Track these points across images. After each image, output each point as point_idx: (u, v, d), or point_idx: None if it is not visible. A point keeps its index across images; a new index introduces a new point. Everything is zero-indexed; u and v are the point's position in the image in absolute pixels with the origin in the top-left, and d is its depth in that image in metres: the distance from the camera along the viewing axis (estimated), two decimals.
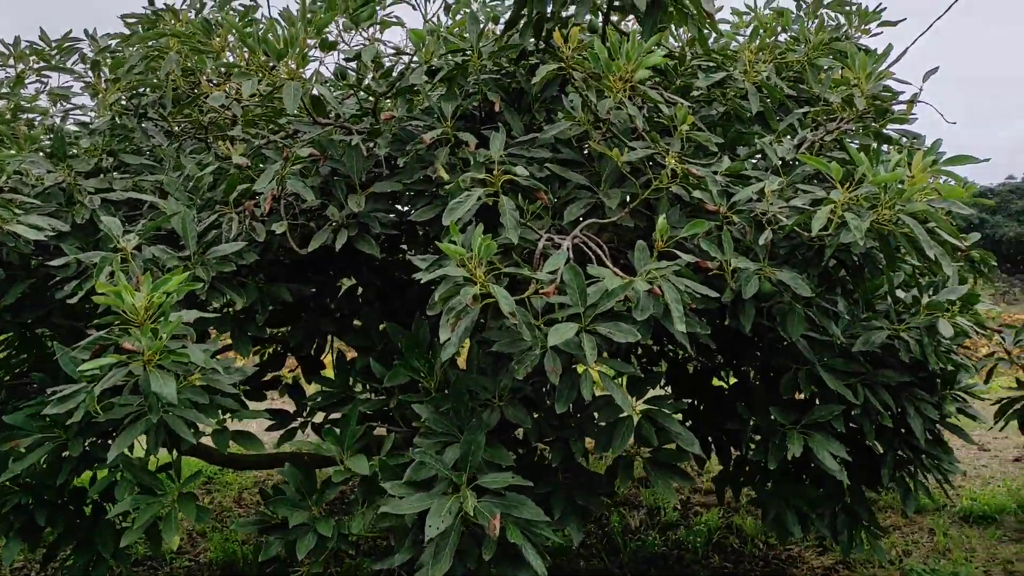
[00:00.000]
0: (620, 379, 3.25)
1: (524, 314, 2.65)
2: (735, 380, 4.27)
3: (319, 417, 4.05)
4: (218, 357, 3.01)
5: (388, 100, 3.90)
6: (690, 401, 4.21)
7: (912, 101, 3.48)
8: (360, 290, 4.05)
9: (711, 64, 3.92)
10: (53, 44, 4.75)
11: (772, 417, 3.48)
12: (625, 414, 2.90)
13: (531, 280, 2.77)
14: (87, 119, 4.73)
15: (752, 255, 3.09)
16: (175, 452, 3.31)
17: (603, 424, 3.00)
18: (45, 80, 4.82)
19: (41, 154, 3.93)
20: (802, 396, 3.61)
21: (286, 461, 3.43)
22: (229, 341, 3.74)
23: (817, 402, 3.58)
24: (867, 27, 4.22)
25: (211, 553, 5.24)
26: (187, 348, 2.73)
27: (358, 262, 3.96)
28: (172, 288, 2.68)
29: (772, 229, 2.98)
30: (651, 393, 3.31)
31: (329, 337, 4.19)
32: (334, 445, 3.18)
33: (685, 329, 2.67)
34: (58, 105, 4.65)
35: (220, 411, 3.01)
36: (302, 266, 3.88)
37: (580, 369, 2.82)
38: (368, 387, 3.56)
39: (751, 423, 3.61)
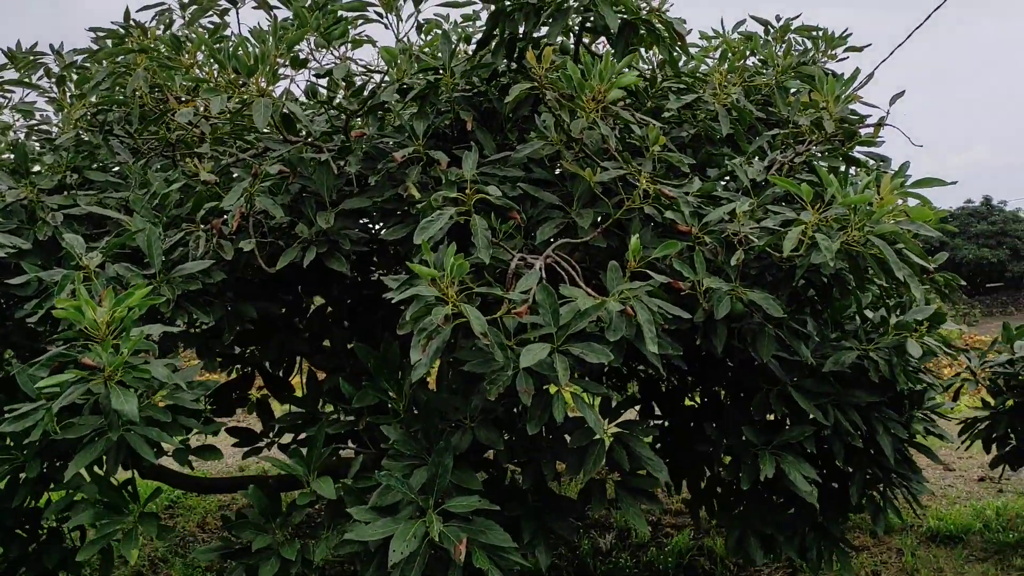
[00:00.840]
0: (592, 401, 3.24)
1: (496, 334, 2.62)
2: (705, 400, 4.27)
3: (287, 438, 3.98)
4: (180, 369, 2.94)
5: (359, 119, 3.87)
6: (661, 422, 4.20)
7: (879, 124, 3.53)
8: (330, 309, 4.00)
9: (682, 86, 3.95)
10: (19, 57, 4.66)
11: (744, 438, 3.48)
12: (597, 437, 2.88)
13: (503, 300, 2.75)
14: (52, 135, 4.66)
15: (724, 275, 3.10)
16: (134, 472, 3.23)
17: (575, 447, 2.97)
18: (8, 95, 4.73)
19: (3, 170, 3.85)
20: (773, 416, 3.62)
21: (251, 484, 3.36)
22: (196, 360, 3.67)
23: (788, 423, 3.59)
24: (834, 52, 4.28)
25: None
26: (149, 364, 2.66)
27: (328, 281, 3.91)
28: (135, 303, 2.62)
29: (744, 249, 2.99)
30: (622, 416, 3.29)
31: (299, 358, 4.13)
32: (300, 466, 3.12)
33: (657, 350, 2.66)
34: (19, 121, 4.56)
35: (184, 430, 2.93)
36: (272, 285, 3.83)
37: (552, 390, 2.80)
38: (337, 408, 3.50)
39: (723, 443, 3.61)
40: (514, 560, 2.77)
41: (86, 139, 4.24)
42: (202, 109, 3.73)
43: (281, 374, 4.08)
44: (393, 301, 2.73)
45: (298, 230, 3.37)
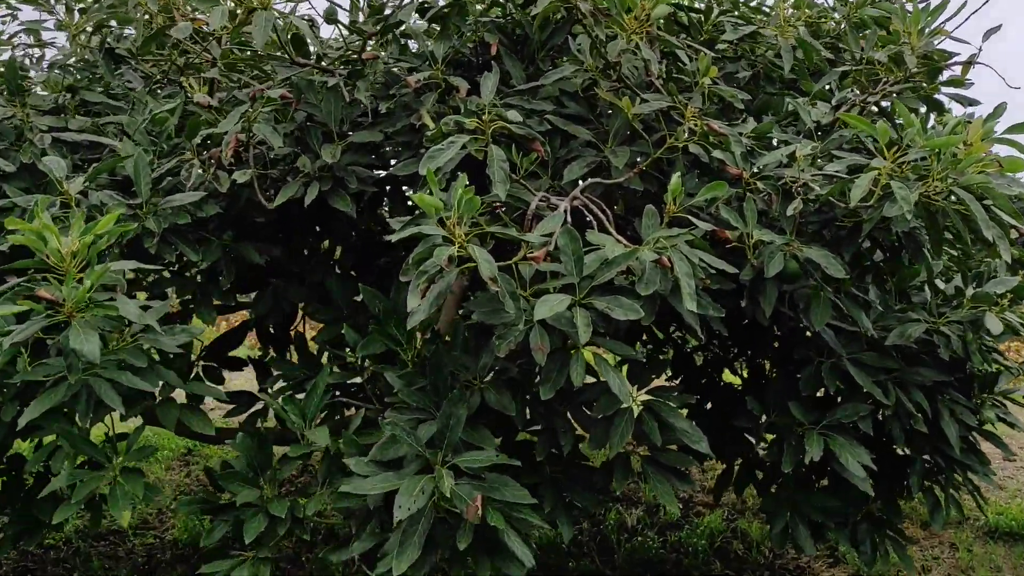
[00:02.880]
0: (620, 366, 2.87)
1: (509, 282, 2.26)
2: (747, 373, 3.88)
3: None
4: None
5: (377, 42, 3.50)
6: (696, 397, 3.82)
7: (969, 63, 3.05)
8: (338, 256, 3.66)
9: (739, 21, 3.50)
10: None
11: (790, 415, 3.08)
12: (624, 406, 2.51)
13: (520, 245, 2.39)
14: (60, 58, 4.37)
15: (777, 229, 2.69)
16: (113, 422, 2.97)
17: (599, 416, 2.61)
18: (15, 12, 4.44)
19: None
20: (822, 393, 3.22)
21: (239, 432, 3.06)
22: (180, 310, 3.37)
23: (840, 400, 3.18)
24: None
25: (175, 531, 4.90)
26: (116, 301, 2.35)
27: (335, 224, 3.57)
28: (102, 230, 2.31)
29: (802, 199, 2.57)
30: (654, 382, 2.92)
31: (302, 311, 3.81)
32: (296, 416, 2.81)
33: (696, 309, 2.27)
34: (20, 39, 4.26)
35: (159, 379, 2.64)
36: (275, 226, 3.50)
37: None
38: (338, 360, 3.18)
39: (765, 420, 3.22)
40: (534, 523, 2.43)
41: (90, 59, 3.94)
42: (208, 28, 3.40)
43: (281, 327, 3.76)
44: (392, 241, 2.38)
45: (300, 164, 3.03)
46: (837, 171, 2.55)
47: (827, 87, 3.14)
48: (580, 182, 2.77)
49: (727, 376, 4.13)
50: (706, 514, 5.34)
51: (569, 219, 2.54)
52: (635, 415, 2.63)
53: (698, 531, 4.98)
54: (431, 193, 2.27)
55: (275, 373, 3.51)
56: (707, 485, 5.81)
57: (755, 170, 2.71)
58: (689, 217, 2.45)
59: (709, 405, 3.85)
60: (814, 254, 2.56)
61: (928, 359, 3.19)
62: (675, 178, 2.39)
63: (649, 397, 2.79)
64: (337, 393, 3.24)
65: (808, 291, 2.85)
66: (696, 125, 2.68)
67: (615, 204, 3.01)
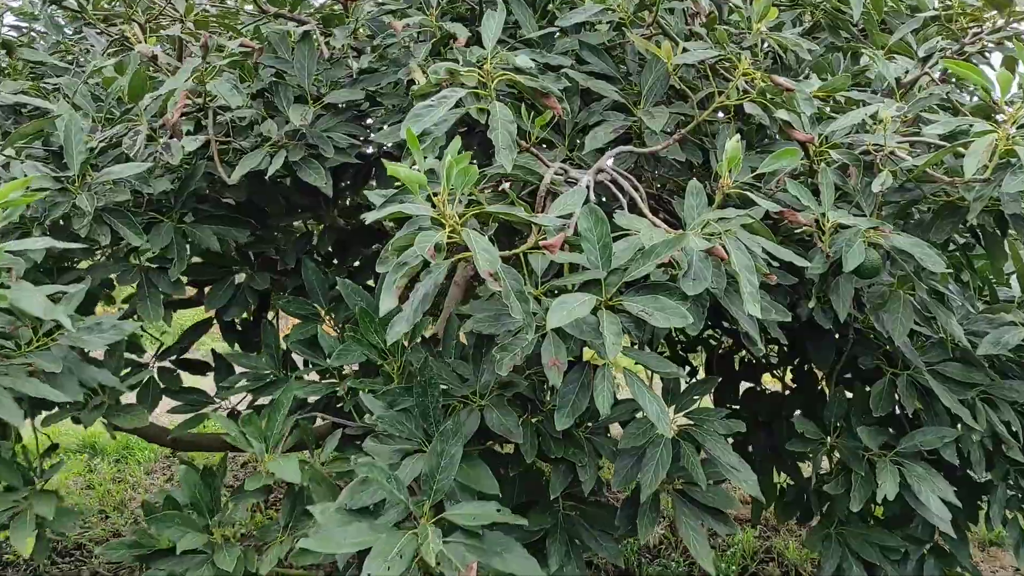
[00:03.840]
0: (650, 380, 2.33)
1: (515, 277, 1.72)
2: (795, 384, 3.33)
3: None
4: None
5: None
6: (735, 408, 3.29)
7: None
8: (315, 241, 3.13)
9: None
10: None
11: (856, 439, 2.54)
12: (660, 433, 1.98)
13: (530, 229, 1.85)
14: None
15: (851, 210, 2.15)
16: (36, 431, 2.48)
17: (627, 447, 2.08)
18: None
19: None
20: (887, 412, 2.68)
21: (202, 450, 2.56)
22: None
23: (911, 418, 2.63)
24: None
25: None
26: (11, 288, 1.83)
27: (315, 203, 3.05)
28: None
29: (890, 171, 2.02)
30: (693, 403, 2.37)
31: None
32: (255, 439, 2.28)
33: (760, 313, 1.73)
34: None
35: (81, 385, 2.12)
36: (246, 206, 2.98)
37: (592, 357, 1.90)
38: (313, 367, 2.66)
39: (823, 443, 2.67)
40: None
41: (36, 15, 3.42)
42: None
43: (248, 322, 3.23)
44: (367, 222, 1.85)
45: (263, 129, 2.50)
46: (938, 134, 2.00)
47: (905, 39, 2.58)
48: (605, 152, 2.23)
49: (767, 379, 3.60)
50: (737, 530, 4.79)
51: (592, 196, 2.01)
52: (671, 448, 2.09)
53: (728, 553, 4.45)
54: (414, 163, 1.74)
55: (239, 371, 3.01)
56: (740, 494, 5.28)
57: (826, 135, 2.16)
58: (749, 194, 1.90)
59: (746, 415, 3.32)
60: (904, 242, 2.01)
61: (1020, 368, 2.65)
62: (732, 143, 1.83)
63: (688, 421, 2.25)
64: (311, 403, 2.74)
65: (884, 288, 2.31)
66: (753, 80, 2.13)
67: (650, 180, 2.47)
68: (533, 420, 2.29)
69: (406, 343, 2.42)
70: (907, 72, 2.41)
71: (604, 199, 2.14)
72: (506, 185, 2.18)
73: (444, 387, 2.26)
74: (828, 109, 2.28)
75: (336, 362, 2.37)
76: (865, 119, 2.14)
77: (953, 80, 2.50)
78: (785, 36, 2.26)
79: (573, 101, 2.43)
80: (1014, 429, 2.62)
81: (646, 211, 2.02)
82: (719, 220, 1.87)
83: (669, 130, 2.27)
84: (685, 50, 2.17)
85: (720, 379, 3.12)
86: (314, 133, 2.54)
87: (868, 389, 2.62)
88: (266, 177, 2.41)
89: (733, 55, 2.18)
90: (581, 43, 2.51)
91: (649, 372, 3.21)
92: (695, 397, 2.28)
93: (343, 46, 2.73)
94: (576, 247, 1.83)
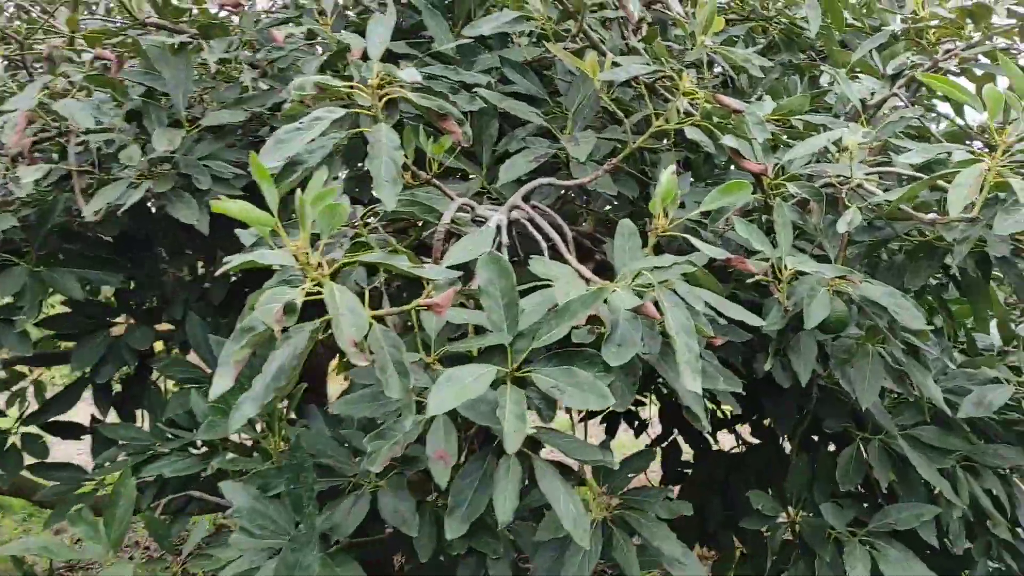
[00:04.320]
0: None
1: (394, 343, 1.34)
2: (752, 443, 2.99)
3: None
4: None
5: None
6: (687, 467, 2.94)
7: None
8: (207, 287, 2.72)
9: None
10: None
11: (821, 516, 2.20)
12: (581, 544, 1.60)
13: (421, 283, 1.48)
14: None
15: (812, 252, 1.82)
16: None
17: (546, 541, 1.70)
18: None
19: None
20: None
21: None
22: None
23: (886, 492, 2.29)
24: None
25: None
26: None
27: (207, 242, 2.64)
28: None
29: (858, 208, 1.69)
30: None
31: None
32: (91, 540, 1.87)
33: (700, 387, 1.37)
34: None
35: None
36: (122, 244, 2.57)
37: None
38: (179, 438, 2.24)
39: (782, 521, 2.32)
40: None
41: None
42: None
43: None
44: (218, 273, 1.48)
45: (123, 156, 2.10)
46: (913, 163, 1.67)
47: (869, 56, 2.27)
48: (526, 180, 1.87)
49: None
50: None
51: (505, 238, 1.66)
52: (599, 539, 1.72)
53: None
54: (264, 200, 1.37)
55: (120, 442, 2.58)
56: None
57: (780, 167, 1.83)
58: (688, 237, 1.56)
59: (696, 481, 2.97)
60: (876, 292, 1.68)
61: (1003, 429, 2.33)
62: (666, 176, 1.49)
63: (622, 501, 1.89)
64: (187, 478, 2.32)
65: (851, 342, 1.98)
66: (696, 100, 1.80)
67: (580, 218, 2.12)
68: (439, 503, 1.91)
69: (292, 414, 2.03)
70: (873, 93, 2.10)
71: (521, 242, 1.79)
72: (399, 226, 1.81)
73: (331, 465, 1.88)
74: (785, 137, 1.96)
75: (204, 435, 1.97)
76: (828, 146, 1.82)
77: (925, 101, 2.21)
78: (733, 51, 1.93)
79: (490, 125, 2.08)
80: (995, 493, 2.31)
81: (569, 255, 1.67)
82: (654, 269, 1.52)
83: (599, 159, 1.93)
84: (616, 64, 1.83)
85: (663, 445, 2.76)
86: (188, 161, 2.15)
87: (835, 452, 2.28)
88: (120, 212, 2.02)
89: (674, 71, 1.84)
90: (502, 59, 2.17)
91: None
92: (630, 476, 1.91)
93: (234, 60, 2.36)
94: (481, 303, 1.46)
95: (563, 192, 2.01)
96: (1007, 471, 2.35)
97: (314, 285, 1.33)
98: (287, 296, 1.28)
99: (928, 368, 1.99)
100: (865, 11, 2.64)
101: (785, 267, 1.64)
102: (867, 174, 1.78)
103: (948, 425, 2.22)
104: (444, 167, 1.82)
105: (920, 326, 1.63)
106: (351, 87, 1.58)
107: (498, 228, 1.68)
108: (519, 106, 1.97)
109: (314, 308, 1.32)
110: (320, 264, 1.34)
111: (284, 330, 1.31)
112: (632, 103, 2.00)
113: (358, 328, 1.26)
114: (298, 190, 1.30)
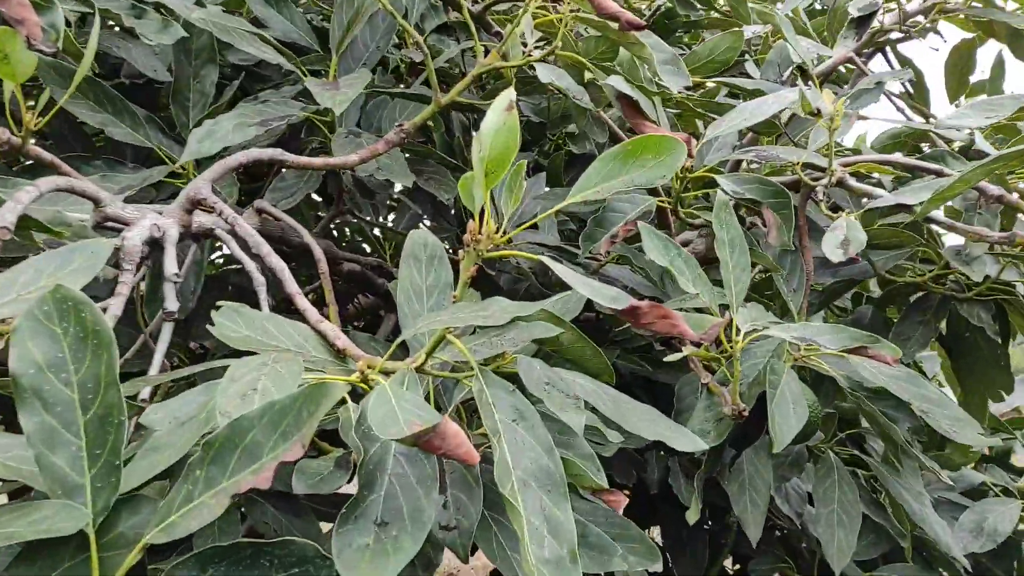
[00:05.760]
0: None
1: None
2: None
3: None
4: None
5: None
6: None
7: None
8: None
9: None
10: None
11: None
12: None
13: None
14: None
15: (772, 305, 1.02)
16: None
17: None
18: None
19: None
20: None
21: None
22: None
23: None
24: None
25: None
26: None
27: None
28: None
29: (862, 213, 0.90)
30: None
31: None
32: None
33: None
34: None
35: None
36: None
37: None
38: None
39: None
40: None
41: None
42: None
43: None
44: None
45: None
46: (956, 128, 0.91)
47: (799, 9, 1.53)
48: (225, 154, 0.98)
49: None
50: None
51: (170, 267, 0.76)
52: None
53: None
54: None
55: None
56: None
57: (705, 143, 1.03)
58: (547, 260, 0.70)
59: None
60: (884, 376, 0.89)
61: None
62: (493, 113, 0.64)
63: None
64: None
65: (804, 455, 1.20)
66: (554, 23, 0.98)
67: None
68: None
69: None
70: (818, 59, 1.36)
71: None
72: None
73: None
74: (701, 110, 1.17)
75: None
76: (776, 115, 1.03)
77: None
78: None
79: (203, 72, 1.19)
80: None
81: (300, 298, 0.80)
82: (475, 330, 0.67)
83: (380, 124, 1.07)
84: None
85: None
86: None
87: None
88: None
89: None
90: None
91: None
92: None
93: None
94: None
95: (316, 182, 1.12)
96: None
97: None
98: None
99: (922, 491, 1.23)
100: None
101: (736, 329, 0.82)
102: (848, 163, 1.01)
103: (926, 561, 1.47)
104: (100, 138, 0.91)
105: (978, 442, 0.85)
106: None
107: (148, 247, 0.78)
108: (239, 32, 1.07)
109: None
110: None
111: None
112: (441, 39, 1.16)
113: None
114: None
